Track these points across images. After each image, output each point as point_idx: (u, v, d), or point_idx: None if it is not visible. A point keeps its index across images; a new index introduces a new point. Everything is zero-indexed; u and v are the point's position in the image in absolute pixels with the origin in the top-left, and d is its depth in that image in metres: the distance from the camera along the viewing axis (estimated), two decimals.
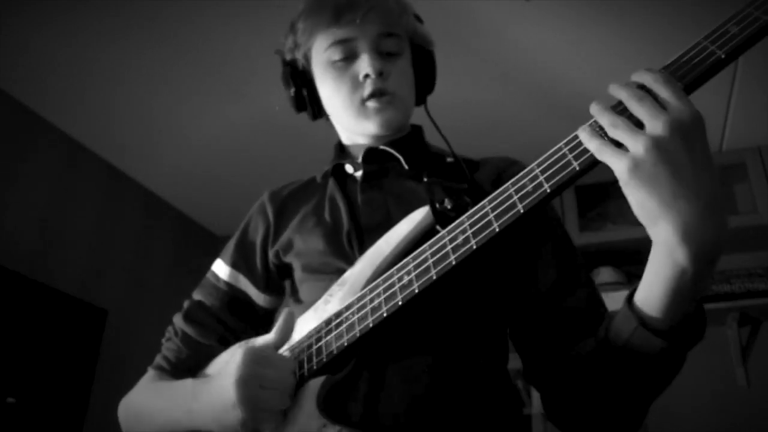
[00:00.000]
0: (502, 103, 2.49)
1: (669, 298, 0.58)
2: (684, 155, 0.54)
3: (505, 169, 0.90)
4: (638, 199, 0.56)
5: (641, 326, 0.60)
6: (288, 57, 0.96)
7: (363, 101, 0.88)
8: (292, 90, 0.95)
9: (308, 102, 0.95)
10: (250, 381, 0.69)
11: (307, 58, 0.93)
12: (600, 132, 0.59)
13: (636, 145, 0.54)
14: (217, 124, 2.58)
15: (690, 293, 0.58)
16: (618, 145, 0.57)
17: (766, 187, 2.54)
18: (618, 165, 0.55)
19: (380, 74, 0.87)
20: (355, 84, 0.88)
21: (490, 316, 0.82)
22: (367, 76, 0.87)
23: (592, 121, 0.60)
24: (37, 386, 2.30)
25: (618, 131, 0.56)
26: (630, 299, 0.63)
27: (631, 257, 2.72)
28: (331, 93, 0.91)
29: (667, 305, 0.59)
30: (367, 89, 0.87)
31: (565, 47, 2.18)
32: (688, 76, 0.57)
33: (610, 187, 2.64)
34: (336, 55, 0.88)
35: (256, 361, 0.71)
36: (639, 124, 0.56)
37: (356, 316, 0.73)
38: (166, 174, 2.95)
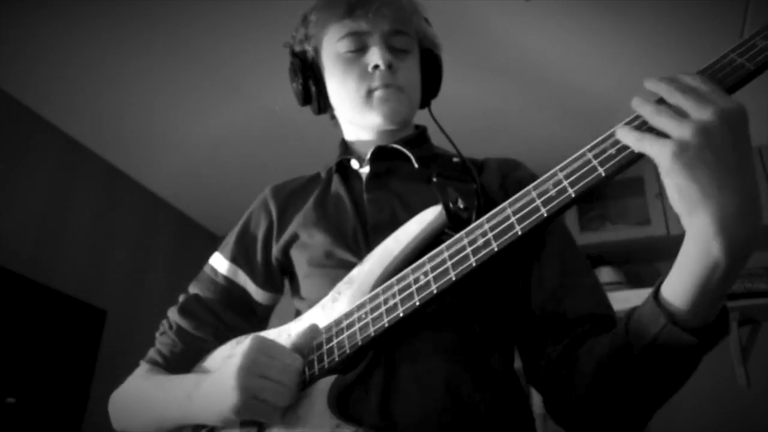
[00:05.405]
0: (501, 102, 2.49)
1: (698, 295, 0.56)
2: (730, 145, 0.52)
3: (509, 173, 0.89)
4: (679, 186, 0.53)
5: (671, 323, 0.57)
6: (297, 48, 0.96)
7: (369, 91, 0.88)
8: (300, 81, 0.94)
9: (314, 95, 0.95)
10: (252, 368, 0.68)
11: (317, 51, 0.94)
12: (638, 128, 0.57)
13: (682, 129, 0.53)
14: (216, 124, 2.57)
15: (719, 290, 0.56)
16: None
17: (766, 187, 2.53)
18: (660, 151, 0.53)
19: (389, 66, 0.87)
20: (364, 74, 0.88)
21: (499, 316, 0.82)
22: (376, 67, 0.88)
23: (627, 120, 0.59)
24: (36, 386, 2.29)
25: (662, 118, 0.54)
26: (656, 295, 0.60)
27: (631, 257, 2.72)
28: (338, 84, 0.91)
29: (695, 301, 0.56)
30: (376, 81, 0.88)
31: (564, 47, 2.18)
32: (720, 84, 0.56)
33: (610, 187, 2.64)
34: (346, 46, 0.89)
35: (262, 351, 0.70)
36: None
37: (370, 317, 0.72)
38: (166, 174, 2.95)
